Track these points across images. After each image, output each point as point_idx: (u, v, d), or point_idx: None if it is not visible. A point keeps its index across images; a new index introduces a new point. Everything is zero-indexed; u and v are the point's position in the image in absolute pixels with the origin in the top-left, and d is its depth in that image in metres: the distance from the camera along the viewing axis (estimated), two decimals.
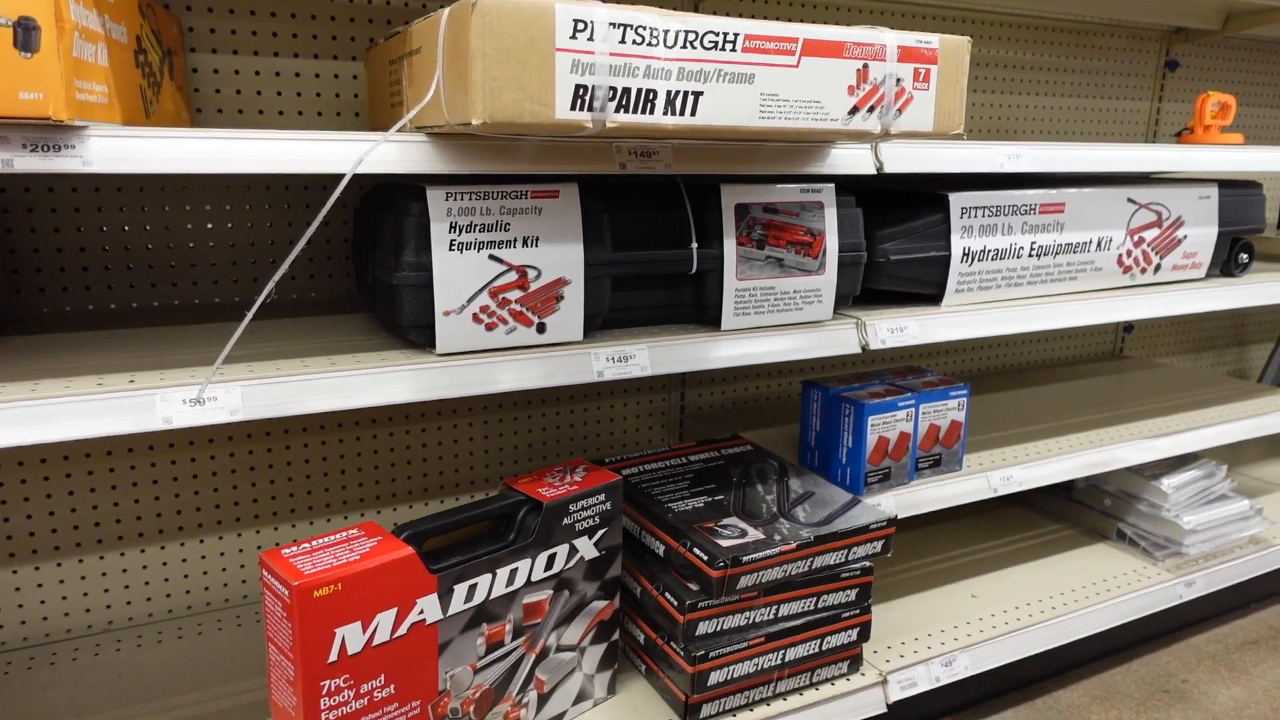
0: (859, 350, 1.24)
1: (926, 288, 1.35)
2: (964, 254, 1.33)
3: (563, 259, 1.02)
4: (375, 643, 0.93)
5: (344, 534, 0.96)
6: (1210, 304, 1.60)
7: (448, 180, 0.97)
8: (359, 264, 1.17)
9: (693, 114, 0.84)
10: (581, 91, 0.78)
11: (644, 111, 0.82)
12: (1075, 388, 1.94)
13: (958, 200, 1.32)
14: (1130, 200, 1.50)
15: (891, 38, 0.92)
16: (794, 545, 1.14)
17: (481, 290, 0.99)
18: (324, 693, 0.90)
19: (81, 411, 0.83)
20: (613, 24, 0.78)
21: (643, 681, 1.26)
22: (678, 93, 0.83)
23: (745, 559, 1.11)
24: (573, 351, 1.06)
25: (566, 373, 1.05)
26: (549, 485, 1.11)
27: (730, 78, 0.84)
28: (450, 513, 1.03)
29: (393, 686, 0.96)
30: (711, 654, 1.15)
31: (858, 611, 1.25)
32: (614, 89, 0.79)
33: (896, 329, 1.27)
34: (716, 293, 1.14)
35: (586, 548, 1.12)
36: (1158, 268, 1.57)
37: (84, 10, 0.78)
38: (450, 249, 0.95)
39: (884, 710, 1.29)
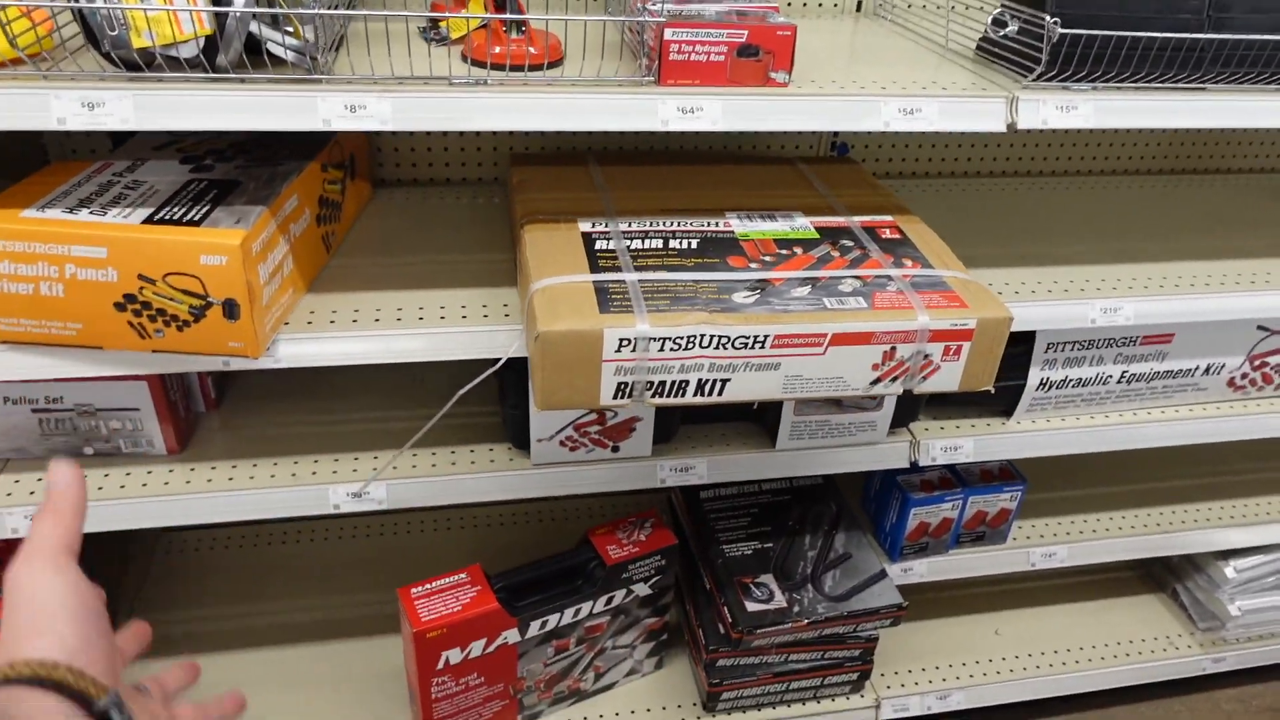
0: (908, 465, 1.40)
1: (995, 404, 1.43)
2: (1041, 383, 1.40)
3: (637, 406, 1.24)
4: (471, 657, 1.32)
5: (455, 579, 1.33)
6: None
7: None
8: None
9: (719, 394, 1.01)
10: (623, 387, 0.97)
11: (676, 395, 1.00)
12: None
13: (1044, 337, 1.36)
14: (1261, 328, 1.44)
15: (925, 321, 1.00)
16: (805, 622, 1.40)
17: (567, 425, 1.24)
18: (434, 685, 1.32)
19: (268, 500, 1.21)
20: (652, 338, 0.95)
21: (685, 655, 1.62)
22: (708, 380, 0.99)
23: (760, 629, 1.39)
24: (640, 464, 1.31)
25: (632, 480, 1.31)
26: (617, 543, 1.41)
27: (757, 367, 0.99)
28: (534, 565, 1.36)
29: (483, 679, 1.37)
30: (725, 680, 1.48)
31: (859, 663, 1.52)
32: (650, 383, 0.98)
33: (951, 448, 1.40)
34: (774, 420, 1.32)
35: (641, 589, 1.44)
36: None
37: (273, 262, 1.04)
38: None
39: None
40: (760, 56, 1.03)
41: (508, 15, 1.02)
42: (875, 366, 1.02)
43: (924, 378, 1.04)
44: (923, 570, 1.56)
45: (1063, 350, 1.38)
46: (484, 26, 1.05)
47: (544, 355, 0.94)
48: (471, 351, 1.12)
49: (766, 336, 0.97)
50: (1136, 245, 1.46)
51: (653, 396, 0.99)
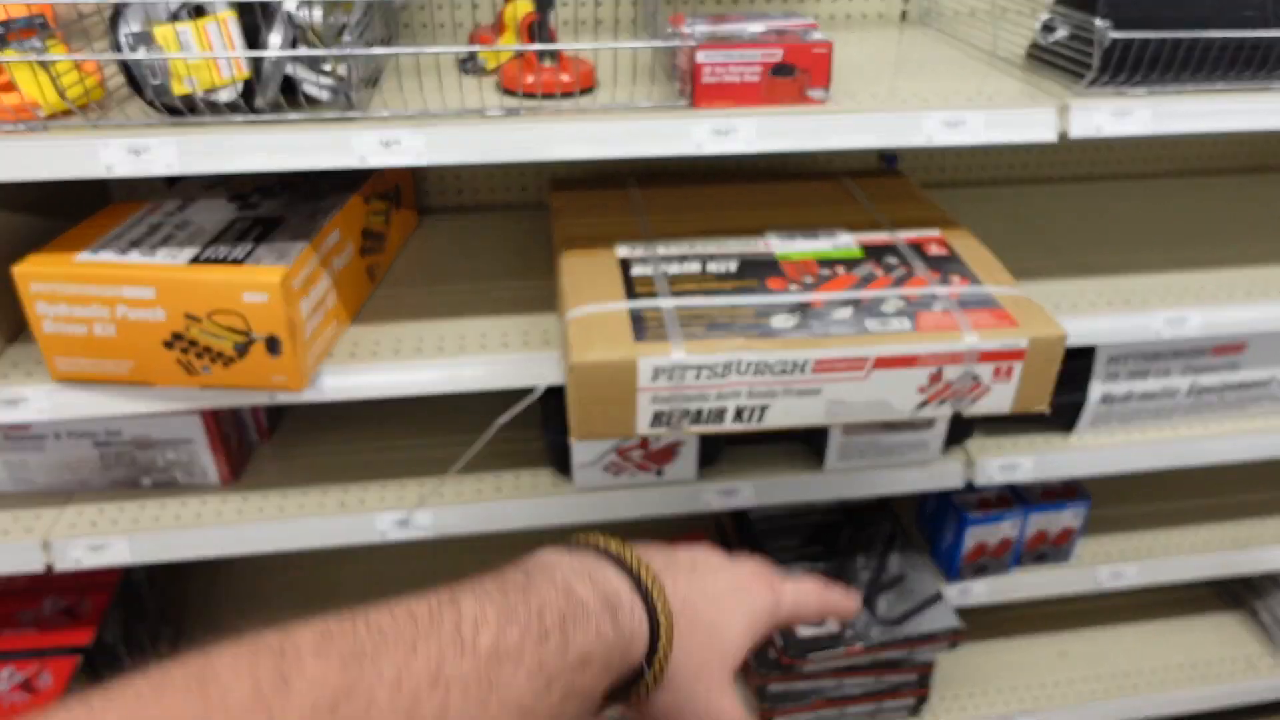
0: (962, 486, 1.36)
1: (1055, 420, 1.38)
2: (1104, 398, 1.34)
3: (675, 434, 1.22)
4: None
5: None
6: None
7: None
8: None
9: (759, 421, 0.98)
10: (660, 416, 0.96)
11: (714, 423, 0.98)
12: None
13: (1106, 351, 1.30)
14: None
15: (973, 341, 0.97)
16: (860, 647, 1.37)
17: (610, 450, 1.23)
18: None
19: (318, 527, 1.23)
20: (689, 367, 0.94)
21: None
22: (746, 407, 0.97)
23: (811, 654, 1.36)
24: (684, 487, 1.29)
25: (677, 504, 1.30)
26: None
27: (798, 393, 0.97)
28: None
29: None
30: (777, 706, 1.45)
31: (917, 687, 1.48)
32: (688, 411, 0.96)
33: (1009, 466, 1.36)
34: (822, 440, 1.29)
35: None
36: None
37: (315, 296, 1.06)
38: None
39: None
40: (796, 74, 1.01)
41: (537, 46, 1.01)
42: (921, 390, 0.99)
43: (973, 400, 1.01)
44: (982, 591, 1.51)
45: (1126, 364, 1.32)
46: (518, 56, 1.05)
47: (578, 386, 0.93)
48: (511, 380, 1.12)
49: (806, 361, 0.95)
50: (1202, 252, 1.39)
51: (691, 424, 0.98)
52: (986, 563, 1.49)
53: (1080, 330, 1.22)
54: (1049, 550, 1.51)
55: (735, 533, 1.56)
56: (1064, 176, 1.70)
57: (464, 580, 0.46)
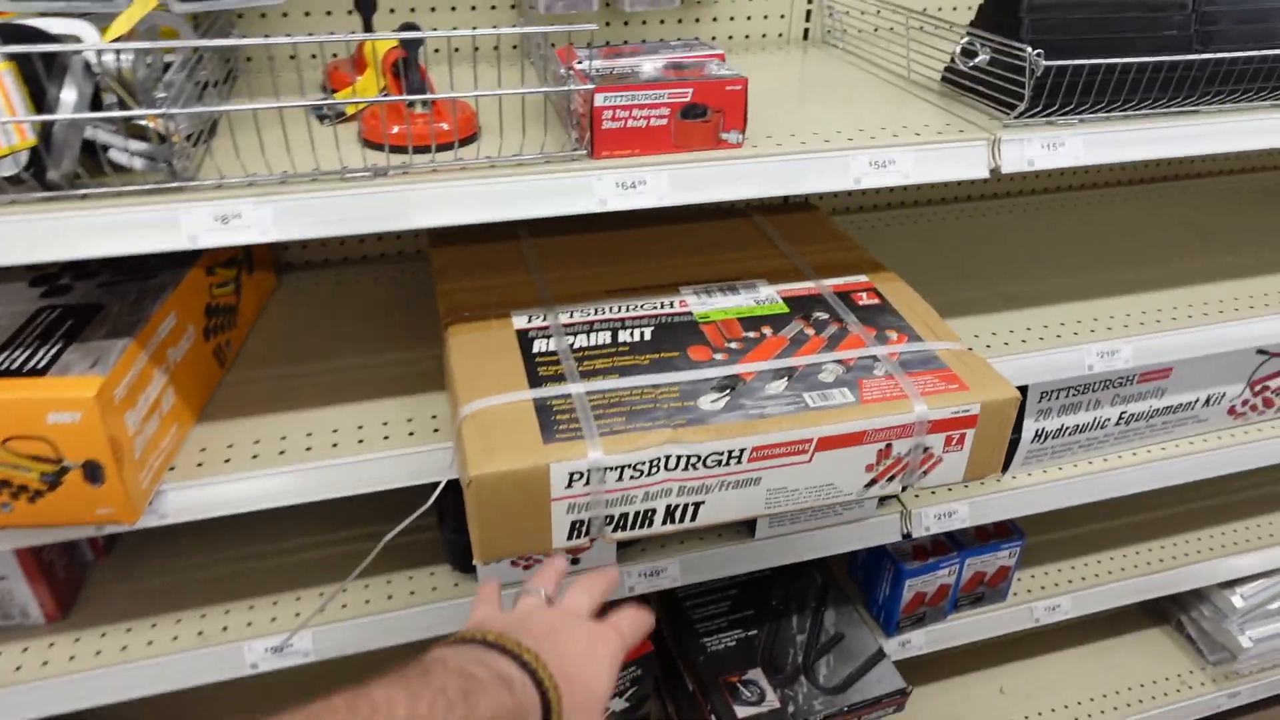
0: (900, 539, 1.27)
1: None
2: (1036, 435, 1.27)
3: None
4: None
5: None
6: None
7: None
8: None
9: (693, 520, 0.85)
10: (578, 526, 0.82)
11: (641, 527, 0.84)
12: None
13: (1038, 387, 1.24)
14: (1260, 352, 1.34)
15: (923, 410, 0.86)
16: None
17: None
18: None
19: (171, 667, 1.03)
20: (609, 467, 0.80)
21: None
22: (678, 505, 0.84)
23: None
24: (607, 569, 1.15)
25: None
26: None
27: (735, 484, 0.84)
28: None
29: None
30: None
31: None
32: (611, 516, 0.82)
33: (945, 514, 1.27)
34: None
35: (617, 704, 1.28)
36: None
37: (146, 403, 0.86)
38: None
39: None
40: (709, 116, 0.88)
41: (405, 96, 0.85)
42: (869, 468, 0.88)
43: (924, 473, 0.90)
44: (921, 641, 1.43)
45: (1057, 399, 1.26)
46: (382, 102, 0.88)
47: (480, 503, 0.78)
48: (397, 480, 0.96)
49: (743, 450, 0.82)
50: (1124, 274, 1.35)
51: (615, 531, 0.84)
52: (925, 612, 1.41)
53: (1014, 370, 1.15)
54: (986, 591, 1.44)
55: (661, 604, 1.43)
56: (983, 194, 1.65)
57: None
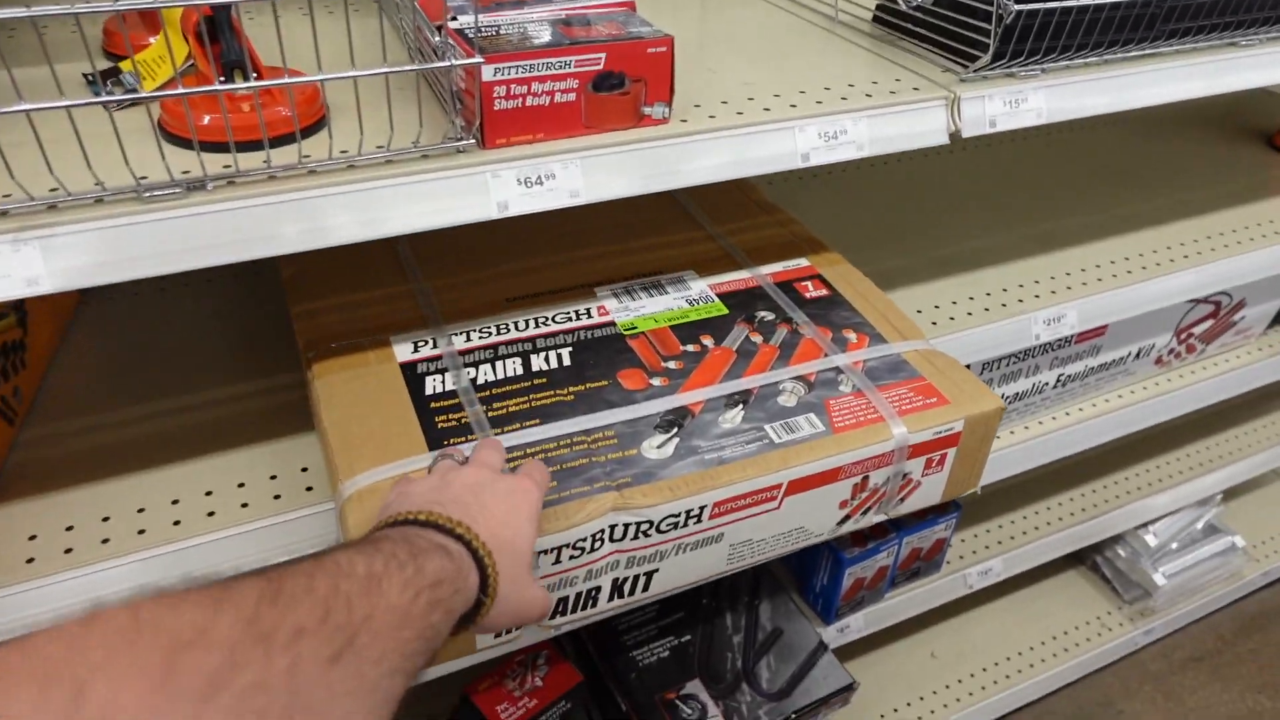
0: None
1: None
2: None
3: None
4: None
5: None
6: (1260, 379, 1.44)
7: None
8: None
9: (645, 590, 0.70)
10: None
11: (585, 609, 0.68)
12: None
13: (979, 360, 1.14)
14: (1189, 300, 1.29)
15: (902, 434, 0.73)
16: None
17: None
18: None
19: None
20: (542, 551, 0.63)
21: None
22: (626, 578, 0.69)
23: None
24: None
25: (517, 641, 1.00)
26: (508, 699, 1.10)
27: (693, 546, 0.69)
28: None
29: None
30: None
31: None
32: (553, 599, 0.66)
33: None
34: None
35: None
36: (1201, 353, 1.39)
37: None
38: None
39: None
40: (627, 87, 0.70)
41: (228, 87, 0.62)
42: (843, 505, 0.75)
43: (901, 500, 0.78)
44: (860, 624, 1.35)
45: (998, 369, 1.17)
46: (187, 81, 0.65)
47: None
48: (273, 557, 0.76)
49: (703, 508, 0.67)
50: (1053, 225, 1.26)
51: (552, 618, 0.68)
52: (864, 596, 1.32)
53: (960, 348, 1.04)
54: (922, 565, 1.37)
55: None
56: None
57: None
